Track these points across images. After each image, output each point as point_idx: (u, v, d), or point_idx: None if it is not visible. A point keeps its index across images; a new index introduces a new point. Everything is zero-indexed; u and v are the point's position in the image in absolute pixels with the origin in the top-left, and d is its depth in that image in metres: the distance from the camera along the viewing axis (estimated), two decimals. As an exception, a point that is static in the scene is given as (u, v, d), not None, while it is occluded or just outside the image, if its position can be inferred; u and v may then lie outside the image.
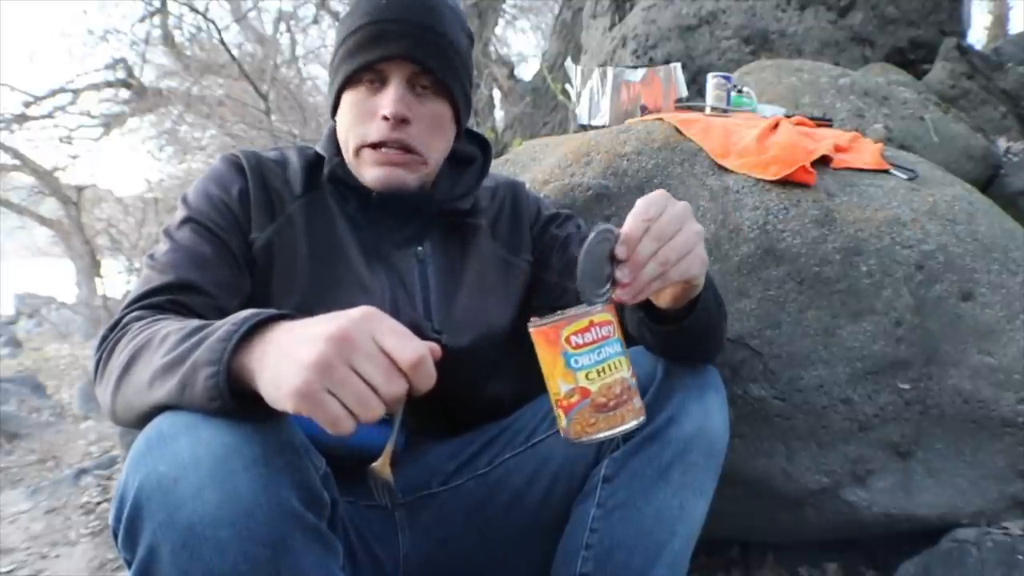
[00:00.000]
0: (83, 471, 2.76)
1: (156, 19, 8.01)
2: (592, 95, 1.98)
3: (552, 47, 6.10)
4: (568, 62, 2.31)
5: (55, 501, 2.55)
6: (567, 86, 2.22)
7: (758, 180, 1.41)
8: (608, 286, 0.78)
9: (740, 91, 1.77)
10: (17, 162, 9.02)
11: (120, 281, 8.83)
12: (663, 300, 0.88)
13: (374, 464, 0.73)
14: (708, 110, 1.71)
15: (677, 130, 1.52)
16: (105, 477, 2.71)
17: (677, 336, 0.91)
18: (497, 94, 7.79)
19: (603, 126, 1.87)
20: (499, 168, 1.61)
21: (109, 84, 8.78)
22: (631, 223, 0.78)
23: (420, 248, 1.05)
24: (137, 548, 0.65)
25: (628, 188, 1.42)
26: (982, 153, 2.04)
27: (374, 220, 1.04)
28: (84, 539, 2.22)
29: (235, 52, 7.26)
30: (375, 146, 0.98)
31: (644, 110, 1.83)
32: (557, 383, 0.75)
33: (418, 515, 1.02)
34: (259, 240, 0.98)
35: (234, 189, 0.98)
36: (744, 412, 1.29)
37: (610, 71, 1.95)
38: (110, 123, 9.19)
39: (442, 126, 1.03)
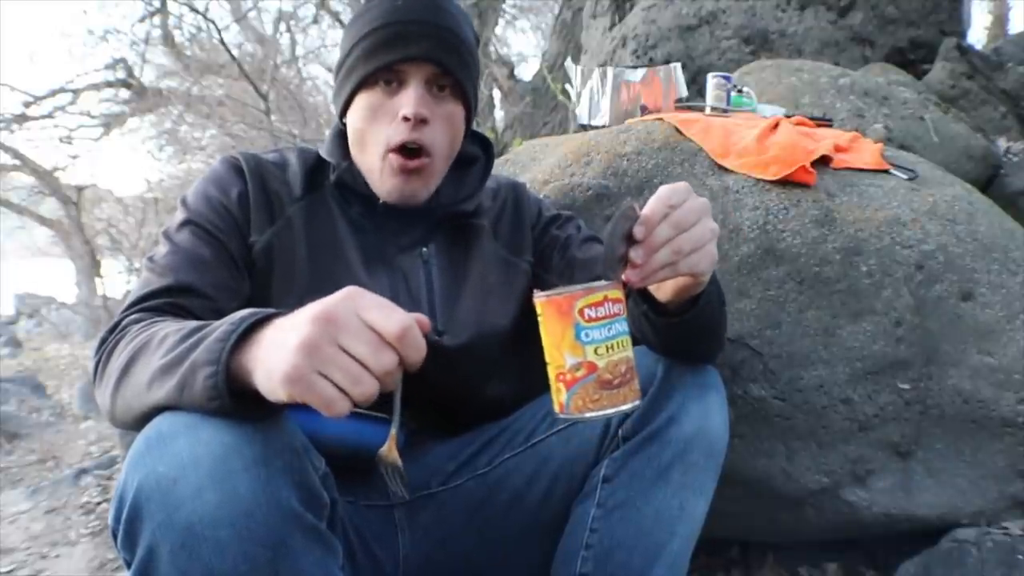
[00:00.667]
0: (83, 471, 2.76)
1: (156, 19, 8.01)
2: (592, 95, 1.98)
3: (552, 47, 6.09)
4: (568, 62, 2.31)
5: (55, 501, 2.55)
6: (567, 86, 2.22)
7: (758, 180, 1.41)
8: (621, 264, 0.78)
9: (740, 91, 1.76)
10: (17, 162, 9.02)
11: (120, 281, 8.83)
12: (666, 293, 0.88)
13: (380, 450, 0.73)
14: (708, 110, 1.71)
15: (677, 130, 1.52)
16: (105, 477, 2.71)
17: (678, 330, 0.91)
18: (497, 94, 7.79)
19: (603, 126, 1.87)
20: (499, 168, 1.61)
21: (109, 84, 8.78)
22: (653, 204, 0.78)
23: (425, 249, 1.05)
24: (136, 548, 0.65)
25: (628, 188, 1.42)
26: (982, 153, 2.03)
27: (379, 224, 1.04)
28: (84, 539, 2.22)
29: (235, 52, 7.26)
30: (397, 150, 0.98)
31: (644, 110, 1.83)
32: (563, 356, 0.74)
33: (418, 515, 1.02)
34: (258, 243, 0.98)
35: (233, 192, 0.98)
36: (744, 412, 1.29)
37: (610, 71, 1.95)
38: (110, 123, 9.19)
39: (456, 126, 1.03)
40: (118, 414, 0.80)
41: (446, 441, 1.06)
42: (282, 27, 8.72)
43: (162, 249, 0.95)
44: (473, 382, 1.04)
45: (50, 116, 8.92)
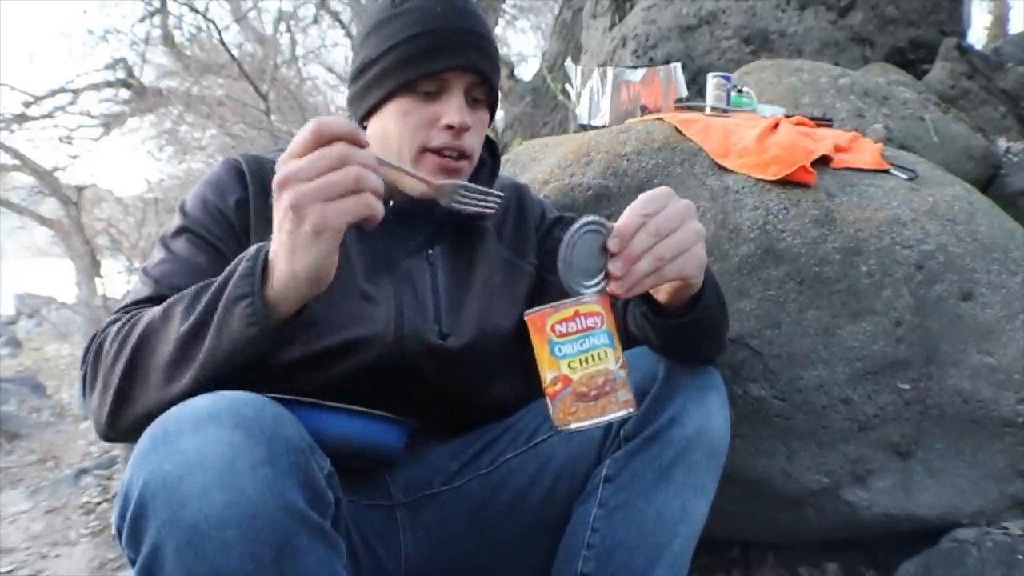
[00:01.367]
0: (83, 471, 2.76)
1: (156, 19, 8.01)
2: (592, 95, 1.98)
3: (552, 47, 6.09)
4: (568, 62, 2.31)
5: (55, 501, 2.55)
6: (567, 86, 2.22)
7: (758, 180, 1.41)
8: (601, 277, 0.79)
9: (740, 91, 1.77)
10: (17, 162, 9.01)
11: (120, 281, 8.81)
12: (663, 295, 0.88)
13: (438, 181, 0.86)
14: (708, 110, 1.71)
15: (677, 130, 1.52)
16: (105, 477, 2.71)
17: (677, 331, 0.92)
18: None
19: (603, 126, 1.88)
20: (500, 168, 1.61)
21: (109, 84, 8.77)
22: (626, 217, 0.79)
23: (431, 251, 1.05)
24: (141, 546, 0.65)
25: (628, 188, 1.42)
26: (982, 153, 2.04)
27: (386, 229, 1.03)
28: (84, 539, 2.22)
29: (235, 52, 7.27)
30: (436, 151, 0.99)
31: (644, 110, 1.84)
32: (544, 371, 0.77)
33: (420, 515, 1.02)
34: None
35: (232, 198, 0.97)
36: (744, 412, 1.29)
37: (610, 71, 1.95)
38: (110, 123, 9.18)
39: (484, 135, 1.05)
40: (123, 419, 0.81)
41: (448, 441, 1.06)
42: (282, 27, 8.72)
43: (157, 256, 0.95)
44: (477, 383, 1.04)
45: (50, 116, 8.91)
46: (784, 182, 1.40)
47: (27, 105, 8.60)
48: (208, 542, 0.63)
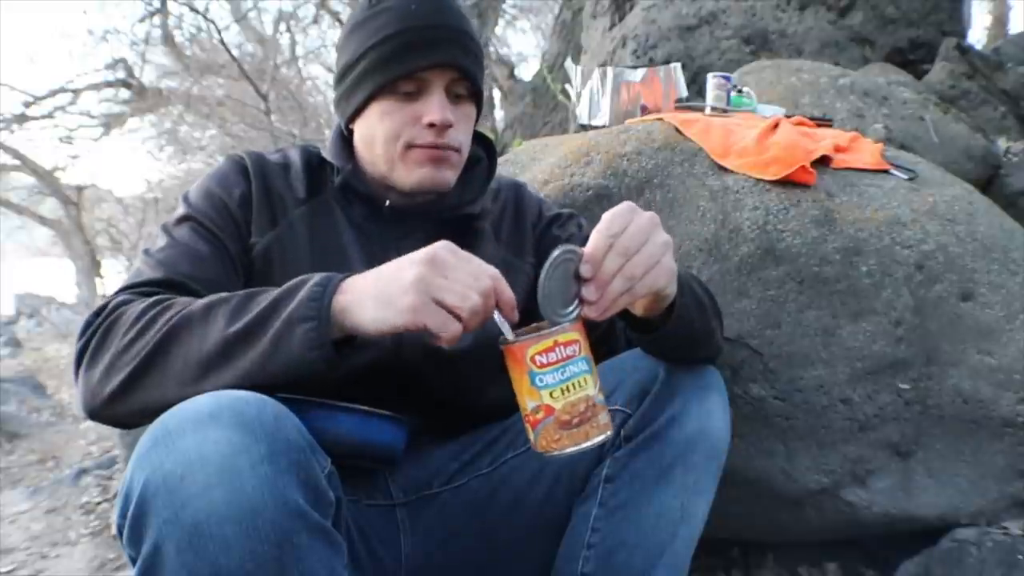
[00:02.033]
0: (83, 471, 2.76)
1: (156, 19, 8.02)
2: (592, 95, 1.98)
3: (552, 47, 6.10)
4: (568, 62, 2.31)
5: (55, 501, 2.55)
6: (567, 86, 2.22)
7: (758, 180, 1.41)
8: (576, 304, 0.78)
9: (740, 91, 1.77)
10: (17, 162, 9.02)
11: (120, 281, 8.83)
12: (637, 310, 0.88)
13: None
14: (708, 110, 1.71)
15: (677, 130, 1.52)
16: (105, 477, 2.71)
17: (661, 342, 0.92)
18: (497, 94, 7.80)
19: (603, 126, 1.88)
20: (499, 168, 1.60)
21: (109, 84, 8.79)
22: (594, 241, 0.78)
23: None
24: (142, 545, 0.65)
25: (628, 188, 1.42)
26: (982, 153, 2.04)
27: (383, 228, 1.03)
28: (84, 539, 2.22)
29: (235, 52, 7.28)
30: (420, 147, 0.98)
31: (644, 110, 1.84)
32: (524, 399, 0.77)
33: (420, 515, 1.02)
34: (259, 245, 0.98)
35: (236, 192, 0.98)
36: (744, 412, 1.29)
37: (610, 71, 1.95)
38: (110, 123, 9.20)
39: (471, 128, 1.04)
40: (127, 403, 0.79)
41: (448, 442, 1.06)
42: (282, 27, 8.73)
43: (160, 242, 0.95)
44: (476, 384, 1.04)
45: (50, 116, 8.93)
46: (784, 182, 1.40)
47: (27, 105, 8.62)
48: (209, 541, 0.63)
